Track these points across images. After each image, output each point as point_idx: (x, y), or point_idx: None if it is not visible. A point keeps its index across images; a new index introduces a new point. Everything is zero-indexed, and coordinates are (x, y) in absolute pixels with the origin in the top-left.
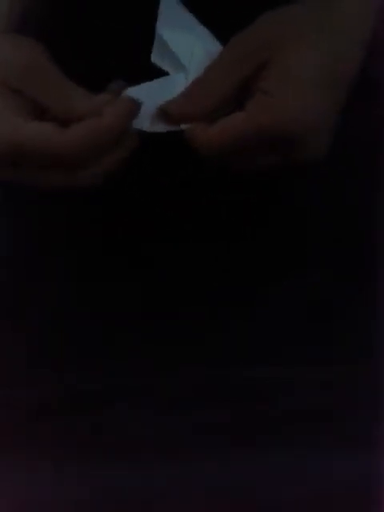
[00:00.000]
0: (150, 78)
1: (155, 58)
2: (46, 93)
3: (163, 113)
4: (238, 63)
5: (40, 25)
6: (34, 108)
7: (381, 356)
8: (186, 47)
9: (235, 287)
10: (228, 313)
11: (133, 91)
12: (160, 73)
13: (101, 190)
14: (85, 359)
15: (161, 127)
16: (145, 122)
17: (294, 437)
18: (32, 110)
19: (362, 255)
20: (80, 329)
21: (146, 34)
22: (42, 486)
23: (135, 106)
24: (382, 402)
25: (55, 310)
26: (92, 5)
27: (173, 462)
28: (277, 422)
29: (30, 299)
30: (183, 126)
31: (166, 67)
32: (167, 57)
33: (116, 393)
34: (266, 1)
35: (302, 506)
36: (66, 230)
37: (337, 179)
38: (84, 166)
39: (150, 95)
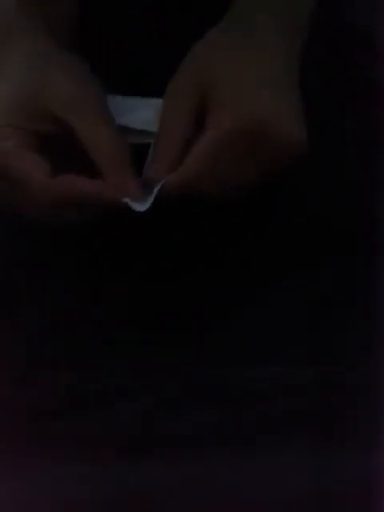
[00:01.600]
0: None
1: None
2: (87, 131)
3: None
4: (184, 103)
5: None
6: (57, 138)
7: (381, 356)
8: (143, 117)
9: (235, 287)
10: (228, 313)
11: None
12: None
13: None
14: (85, 359)
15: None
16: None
17: (294, 437)
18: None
19: (362, 255)
20: (80, 329)
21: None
22: (42, 486)
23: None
24: (382, 402)
25: (55, 309)
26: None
27: (173, 462)
28: (277, 422)
29: (30, 299)
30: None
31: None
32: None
33: (116, 393)
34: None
35: (302, 505)
36: (67, 229)
37: (337, 179)
38: (53, 212)
39: None
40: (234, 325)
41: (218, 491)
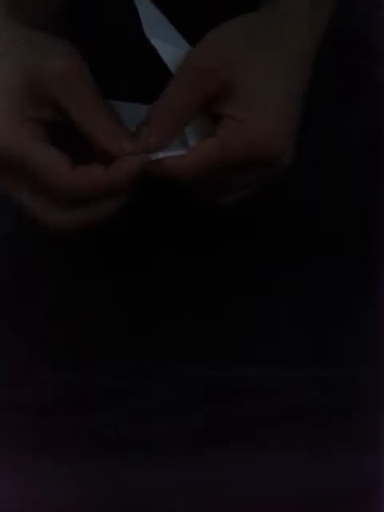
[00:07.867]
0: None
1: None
2: (81, 111)
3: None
4: (199, 84)
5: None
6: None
7: (381, 356)
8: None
9: (235, 287)
10: (228, 313)
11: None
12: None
13: None
14: (84, 359)
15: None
16: None
17: (294, 437)
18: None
19: (362, 256)
20: (80, 329)
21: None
22: (42, 486)
23: (143, 168)
24: (382, 402)
25: (55, 309)
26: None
27: (173, 462)
28: (277, 422)
29: (30, 299)
30: (158, 155)
31: None
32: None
33: (116, 393)
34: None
35: (301, 505)
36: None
37: (338, 180)
38: (79, 207)
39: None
40: (233, 325)
41: (218, 491)
